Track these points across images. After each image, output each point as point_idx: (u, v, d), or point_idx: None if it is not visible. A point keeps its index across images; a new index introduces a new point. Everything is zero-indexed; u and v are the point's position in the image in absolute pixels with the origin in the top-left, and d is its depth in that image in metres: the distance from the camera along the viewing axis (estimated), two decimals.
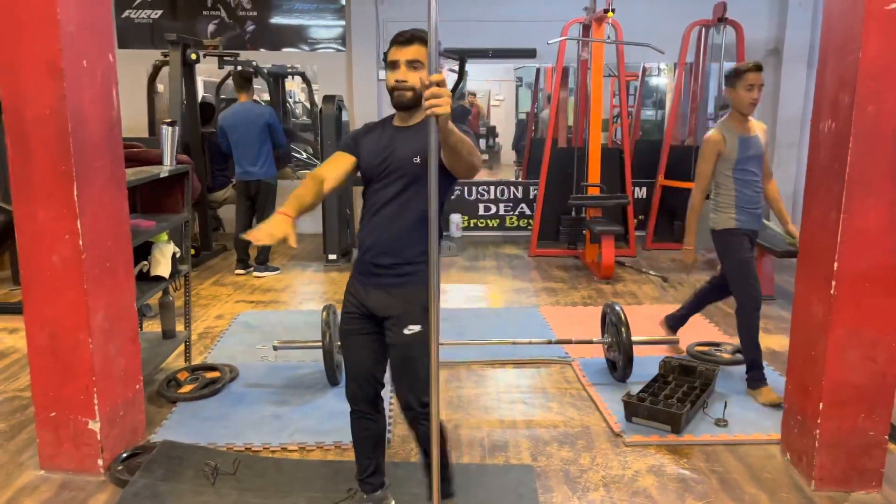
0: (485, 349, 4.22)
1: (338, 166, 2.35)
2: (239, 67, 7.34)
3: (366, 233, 2.33)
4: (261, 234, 2.07)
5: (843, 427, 2.73)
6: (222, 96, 8.60)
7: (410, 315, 2.25)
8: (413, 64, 2.20)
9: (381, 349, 2.35)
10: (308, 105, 10.69)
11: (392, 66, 2.23)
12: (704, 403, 3.46)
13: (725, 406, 3.42)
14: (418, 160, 2.21)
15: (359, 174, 2.38)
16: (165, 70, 8.34)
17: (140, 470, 2.81)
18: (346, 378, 2.43)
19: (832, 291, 2.62)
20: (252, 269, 6.34)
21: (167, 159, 3.78)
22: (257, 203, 6.31)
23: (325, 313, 3.75)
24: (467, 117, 11.65)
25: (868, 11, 2.40)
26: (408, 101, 2.22)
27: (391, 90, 2.24)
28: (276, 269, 6.46)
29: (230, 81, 7.65)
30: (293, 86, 10.58)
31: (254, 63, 7.24)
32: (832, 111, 2.62)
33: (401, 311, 2.26)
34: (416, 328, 2.25)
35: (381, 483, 2.55)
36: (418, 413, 2.30)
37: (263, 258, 6.36)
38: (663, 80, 11.28)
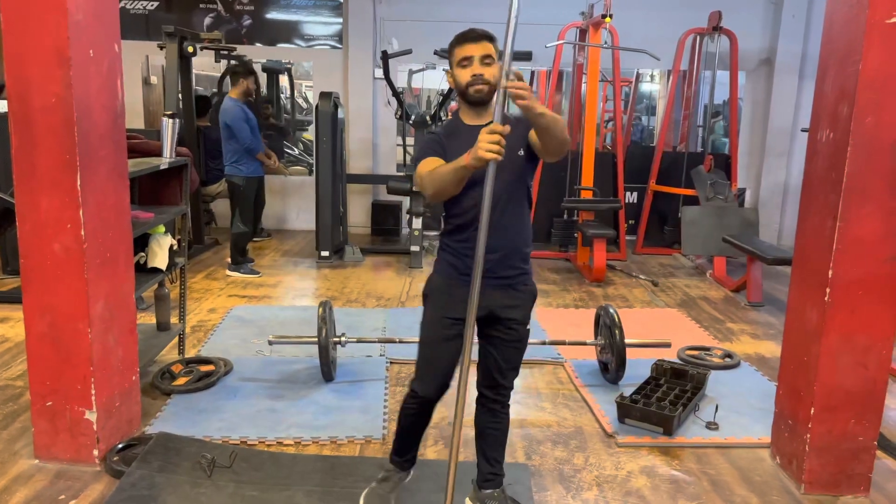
0: (478, 348, 4.24)
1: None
2: (233, 62, 7.33)
3: (474, 232, 2.22)
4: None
5: (833, 432, 2.78)
6: (221, 90, 8.57)
7: (524, 315, 2.45)
8: (485, 59, 2.26)
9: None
10: (289, 104, 10.66)
11: (464, 62, 2.27)
12: (696, 406, 3.50)
13: (716, 409, 3.47)
14: (521, 153, 2.30)
15: None
16: (154, 61, 8.34)
17: (136, 461, 2.81)
18: (426, 372, 2.46)
19: (826, 298, 2.67)
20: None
21: (167, 151, 3.78)
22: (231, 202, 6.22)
23: (321, 309, 3.76)
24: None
25: (869, 24, 2.45)
26: (485, 95, 2.28)
27: (466, 86, 2.27)
28: (255, 271, 6.20)
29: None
30: (287, 81, 10.56)
31: (245, 58, 7.22)
32: (831, 121, 2.67)
33: (525, 311, 2.45)
34: (526, 328, 2.47)
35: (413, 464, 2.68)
36: (504, 398, 2.57)
37: (235, 258, 6.16)
38: (656, 87, 11.36)
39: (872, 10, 2.45)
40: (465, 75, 2.27)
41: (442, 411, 3.45)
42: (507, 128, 1.99)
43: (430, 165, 2.26)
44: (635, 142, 10.26)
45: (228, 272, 6.16)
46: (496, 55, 2.29)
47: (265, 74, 9.22)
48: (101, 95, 2.76)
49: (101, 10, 2.74)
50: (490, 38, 2.29)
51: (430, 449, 3.14)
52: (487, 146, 1.95)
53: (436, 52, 6.89)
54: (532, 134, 2.25)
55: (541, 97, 9.55)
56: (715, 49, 7.34)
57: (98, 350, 2.82)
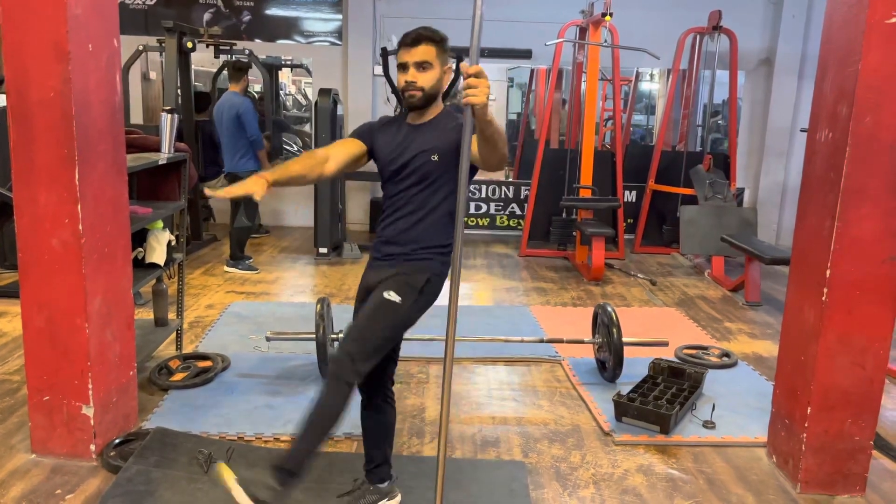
0: (476, 346, 4.25)
1: (346, 149, 2.40)
2: (234, 57, 7.31)
3: (383, 227, 2.39)
4: (220, 191, 2.17)
5: (829, 431, 2.78)
6: (214, 86, 8.56)
7: (397, 285, 2.28)
8: (422, 65, 2.26)
9: None
10: (273, 102, 10.62)
11: (402, 68, 2.28)
12: (693, 405, 3.51)
13: (713, 408, 3.47)
14: (435, 157, 2.27)
15: (365, 169, 2.42)
16: (152, 57, 8.31)
17: (133, 456, 2.81)
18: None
19: (824, 298, 2.67)
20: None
21: (166, 146, 3.77)
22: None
23: (319, 306, 3.76)
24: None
25: (869, 24, 2.45)
26: (418, 102, 2.29)
27: (402, 91, 2.29)
28: (253, 268, 6.20)
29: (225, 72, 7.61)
30: (286, 77, 10.55)
31: (246, 52, 7.20)
32: (830, 121, 2.67)
33: (390, 280, 2.30)
34: (394, 297, 2.26)
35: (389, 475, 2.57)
36: (337, 369, 2.26)
37: (234, 254, 6.17)
38: (655, 86, 11.37)
39: (872, 10, 2.45)
40: (400, 80, 2.29)
41: (438, 408, 3.46)
42: (478, 67, 1.90)
43: (338, 145, 2.41)
44: (634, 141, 10.26)
45: (226, 268, 6.15)
46: (438, 58, 2.27)
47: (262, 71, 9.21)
48: (100, 90, 2.75)
49: (101, 4, 2.73)
50: (431, 41, 2.25)
51: (428, 446, 3.14)
52: (467, 92, 1.89)
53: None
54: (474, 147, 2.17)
55: (540, 95, 9.55)
56: (715, 48, 7.34)
57: (95, 345, 2.82)
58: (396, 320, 2.30)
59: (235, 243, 6.15)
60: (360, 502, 2.52)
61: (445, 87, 2.36)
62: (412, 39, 2.26)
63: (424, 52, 2.25)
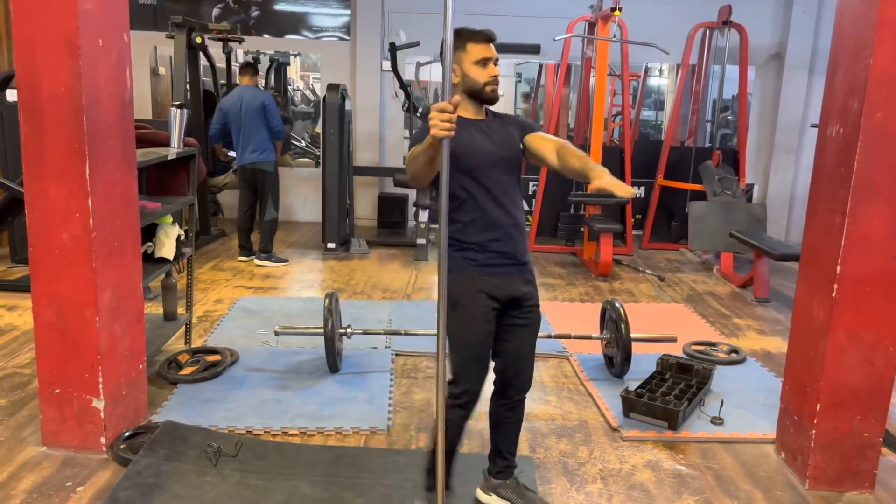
0: None
1: None
2: (251, 56, 7.35)
3: (485, 225, 2.34)
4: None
5: (838, 428, 2.77)
6: (222, 82, 8.59)
7: (537, 299, 2.50)
8: (497, 63, 2.38)
9: None
10: (297, 95, 10.64)
11: (482, 63, 2.34)
12: (701, 401, 3.50)
13: (721, 404, 3.46)
14: (521, 146, 2.41)
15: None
16: (161, 51, 8.34)
17: (143, 449, 2.83)
18: (468, 369, 2.38)
19: (834, 294, 2.66)
20: (254, 256, 6.30)
21: (175, 142, 3.79)
22: (259, 190, 6.26)
23: (327, 301, 3.77)
24: None
25: (881, 19, 2.43)
26: (497, 96, 2.39)
27: (484, 85, 2.35)
28: (283, 259, 6.33)
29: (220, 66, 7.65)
30: (294, 73, 10.56)
31: (251, 54, 7.22)
32: (841, 116, 2.66)
33: (536, 295, 2.49)
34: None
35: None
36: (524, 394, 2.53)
37: (266, 247, 6.29)
38: (664, 81, 11.32)
39: (884, 6, 2.43)
40: (482, 74, 2.34)
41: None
42: (457, 99, 1.97)
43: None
44: (644, 134, 10.22)
45: (258, 262, 6.21)
46: None
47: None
48: (110, 85, 2.77)
49: None
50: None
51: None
52: (440, 125, 1.95)
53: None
54: (533, 141, 2.40)
55: (548, 90, 9.53)
56: (724, 44, 7.30)
57: (105, 339, 2.84)
58: (461, 327, 2.39)
59: (267, 235, 6.24)
60: (525, 497, 2.58)
61: None
62: (489, 37, 2.36)
63: (494, 50, 2.37)
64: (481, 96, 2.36)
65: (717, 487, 2.84)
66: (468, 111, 2.39)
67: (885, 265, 2.62)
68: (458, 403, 2.37)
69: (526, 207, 8.07)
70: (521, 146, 2.43)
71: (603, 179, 2.06)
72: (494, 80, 2.36)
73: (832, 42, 2.77)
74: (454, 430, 2.41)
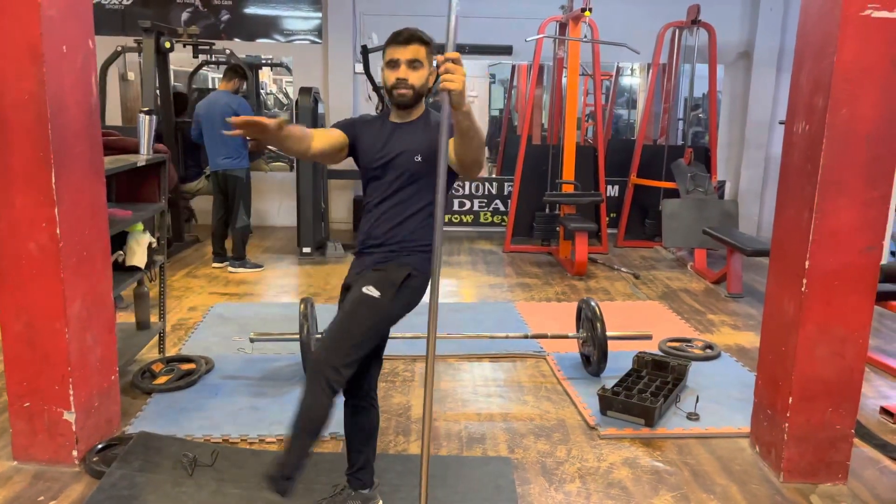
0: (461, 343, 4.26)
1: (329, 136, 2.39)
2: (213, 56, 7.26)
3: (364, 224, 2.39)
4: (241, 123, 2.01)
5: (811, 421, 2.81)
6: (194, 86, 8.50)
7: (375, 281, 2.26)
8: (413, 63, 2.26)
9: None
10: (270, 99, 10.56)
11: (391, 64, 2.27)
12: (677, 398, 3.53)
13: (697, 400, 3.50)
14: (419, 158, 2.27)
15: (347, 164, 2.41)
16: (131, 57, 8.22)
17: (117, 461, 2.78)
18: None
19: (803, 289, 2.70)
20: (227, 263, 6.24)
21: (144, 148, 3.74)
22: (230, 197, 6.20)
23: (302, 306, 3.74)
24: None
25: (844, 16, 2.47)
26: (408, 100, 2.29)
27: (391, 88, 2.29)
28: (257, 265, 6.29)
29: (202, 71, 7.56)
30: (266, 77, 10.48)
31: (227, 51, 7.15)
32: (806, 113, 2.70)
33: (367, 276, 2.30)
34: (373, 292, 2.24)
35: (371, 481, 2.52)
36: (319, 373, 2.21)
37: (239, 254, 6.23)
38: (636, 80, 11.42)
39: (847, 3, 2.47)
40: (390, 77, 2.28)
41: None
42: (457, 54, 1.90)
43: (321, 130, 2.40)
44: (617, 130, 10.29)
45: (231, 269, 6.14)
46: (427, 59, 2.28)
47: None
48: (75, 92, 2.72)
49: (75, 4, 2.70)
50: (422, 41, 2.27)
51: (414, 444, 3.14)
52: (444, 77, 1.89)
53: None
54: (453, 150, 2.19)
55: (521, 91, 9.56)
56: (694, 42, 7.39)
57: (76, 350, 2.79)
58: (376, 316, 2.25)
59: (239, 243, 6.17)
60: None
61: (430, 85, 2.36)
62: (405, 38, 2.26)
63: (416, 50, 2.26)
64: (392, 100, 2.31)
65: (693, 483, 2.86)
66: (394, 115, 2.38)
67: (853, 259, 2.66)
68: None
69: (502, 208, 8.09)
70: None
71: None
72: (400, 83, 2.25)
73: (797, 40, 2.81)
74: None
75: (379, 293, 2.25)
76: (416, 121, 2.35)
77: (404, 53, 2.25)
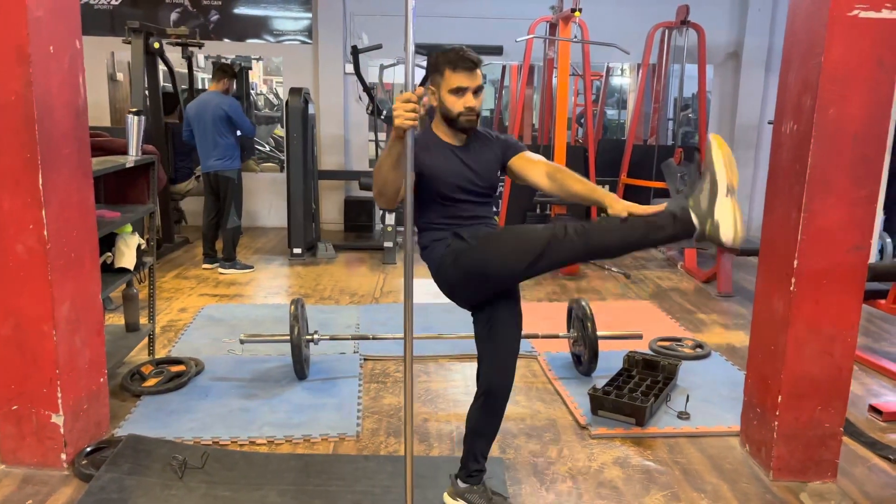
0: (453, 343, 4.25)
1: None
2: (224, 60, 7.25)
3: (442, 231, 2.43)
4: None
5: (800, 419, 2.82)
6: (183, 87, 8.47)
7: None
8: (477, 92, 2.32)
9: None
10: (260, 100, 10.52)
11: (458, 92, 2.29)
12: (667, 397, 3.54)
13: (687, 399, 3.51)
14: (499, 167, 2.44)
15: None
16: (119, 57, 8.20)
17: (106, 464, 2.77)
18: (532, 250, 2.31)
19: (792, 288, 2.71)
20: (218, 264, 6.22)
21: (133, 149, 3.72)
22: (221, 198, 6.18)
23: (293, 307, 3.73)
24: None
25: (832, 16, 2.48)
26: (474, 125, 2.37)
27: (458, 115, 2.31)
28: (248, 266, 6.27)
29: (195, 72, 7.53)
30: (257, 77, 10.45)
31: (211, 58, 7.12)
32: (794, 113, 2.71)
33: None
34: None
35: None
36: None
37: (229, 255, 6.20)
38: (626, 81, 11.45)
39: (835, 3, 2.48)
40: (457, 104, 2.31)
41: (420, 410, 3.46)
42: (420, 90, 2.03)
43: None
44: (607, 129, 10.31)
45: (222, 270, 6.12)
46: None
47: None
48: (63, 93, 2.70)
49: (62, 5, 2.68)
50: (481, 65, 2.33)
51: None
52: (403, 114, 1.97)
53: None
54: (518, 165, 2.43)
55: (512, 91, 9.57)
56: (683, 43, 7.41)
57: (64, 352, 2.77)
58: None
59: (230, 244, 6.15)
60: (493, 502, 2.54)
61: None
62: (472, 63, 2.28)
63: (478, 76, 2.31)
64: (455, 126, 2.35)
65: (684, 481, 2.87)
66: (445, 134, 2.40)
67: (842, 258, 2.68)
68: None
69: (494, 208, 8.08)
70: (504, 167, 2.44)
71: (619, 205, 2.15)
72: (469, 112, 2.31)
73: (785, 40, 2.82)
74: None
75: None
76: (472, 140, 2.43)
77: (472, 81, 2.29)
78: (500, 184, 7.60)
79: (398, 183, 2.18)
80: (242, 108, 6.49)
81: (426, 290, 5.77)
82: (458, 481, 2.57)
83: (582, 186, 2.29)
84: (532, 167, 2.39)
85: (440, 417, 3.43)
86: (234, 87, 6.35)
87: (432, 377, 3.90)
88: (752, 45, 8.08)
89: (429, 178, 2.33)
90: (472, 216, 2.41)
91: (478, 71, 2.30)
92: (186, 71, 7.54)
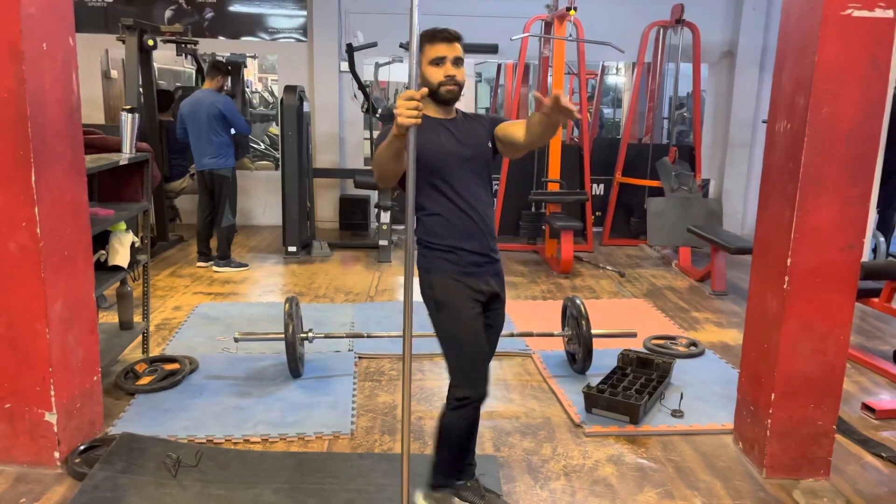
0: None
1: None
2: (218, 58, 7.22)
3: (453, 226, 2.37)
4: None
5: (793, 417, 2.83)
6: (178, 84, 8.45)
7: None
8: (457, 61, 2.33)
9: None
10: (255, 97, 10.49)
11: (437, 62, 2.31)
12: (661, 395, 3.55)
13: (681, 397, 3.52)
14: (490, 144, 2.40)
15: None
16: (114, 54, 8.17)
17: (99, 462, 2.76)
18: (471, 368, 2.41)
19: (785, 286, 2.72)
20: (212, 262, 6.21)
21: (126, 147, 3.70)
22: (216, 196, 6.16)
23: (287, 305, 3.73)
24: None
25: (825, 16, 2.49)
26: (457, 95, 2.36)
27: (438, 85, 2.32)
28: (242, 264, 6.26)
29: (185, 68, 7.51)
30: (252, 75, 10.42)
31: (206, 56, 7.10)
32: (788, 112, 2.72)
33: (504, 294, 2.54)
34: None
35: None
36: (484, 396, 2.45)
37: (224, 254, 6.19)
38: (620, 79, 11.46)
39: (828, 3, 2.49)
40: (437, 74, 2.32)
41: (415, 408, 3.45)
42: (425, 90, 2.05)
43: None
44: (603, 128, 10.32)
45: (217, 269, 6.10)
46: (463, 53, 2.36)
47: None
48: (56, 90, 2.70)
49: (55, 2, 2.68)
50: (461, 40, 2.34)
51: (400, 443, 3.13)
52: (406, 112, 1.97)
53: (402, 45, 6.85)
54: (502, 129, 2.39)
55: (507, 90, 9.57)
56: (678, 42, 7.42)
57: (57, 350, 2.77)
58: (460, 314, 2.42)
59: (224, 242, 6.13)
60: (486, 498, 2.56)
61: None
62: (450, 35, 2.32)
63: (457, 49, 2.33)
64: (437, 97, 2.35)
65: (677, 479, 2.88)
66: (433, 111, 2.39)
67: (835, 256, 2.69)
68: (462, 406, 2.39)
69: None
70: (493, 141, 2.43)
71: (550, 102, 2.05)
72: (450, 80, 2.32)
73: (779, 39, 2.83)
74: (458, 434, 2.47)
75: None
76: (458, 117, 2.43)
77: (450, 51, 2.31)
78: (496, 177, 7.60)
79: (398, 171, 2.21)
80: (237, 105, 6.48)
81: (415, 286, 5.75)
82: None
83: (535, 119, 2.23)
84: (514, 127, 2.37)
85: (435, 415, 3.41)
86: (229, 84, 6.34)
87: (427, 375, 3.90)
88: (746, 44, 8.09)
89: (419, 155, 2.32)
90: (470, 196, 2.36)
91: (456, 44, 2.32)
92: (195, 68, 7.49)
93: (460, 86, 2.35)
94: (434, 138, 2.34)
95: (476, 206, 2.38)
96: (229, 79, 6.54)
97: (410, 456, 2.15)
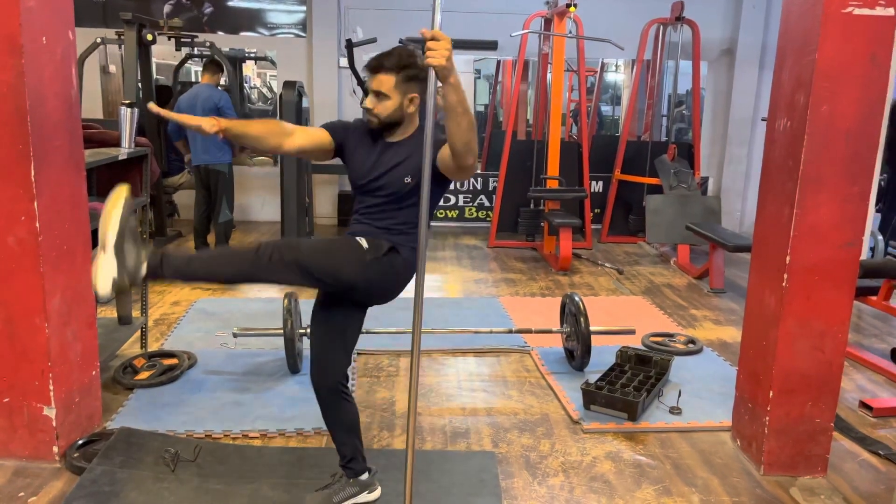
0: (445, 338, 4.26)
1: (314, 135, 2.40)
2: (196, 50, 7.19)
3: (354, 227, 2.42)
4: (163, 111, 2.17)
5: (791, 414, 2.84)
6: (176, 79, 8.42)
7: (367, 238, 2.35)
8: (378, 94, 2.26)
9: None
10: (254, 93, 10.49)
11: (369, 90, 2.30)
12: (660, 392, 3.56)
13: (679, 394, 3.52)
14: (409, 180, 2.27)
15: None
16: (112, 49, 8.13)
17: (97, 457, 2.76)
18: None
19: (784, 284, 2.73)
20: None
21: (125, 141, 3.70)
22: (213, 191, 6.16)
23: (286, 301, 3.73)
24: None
25: (825, 14, 2.49)
26: (375, 126, 2.33)
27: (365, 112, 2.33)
28: None
29: (187, 64, 7.49)
30: (250, 70, 10.41)
31: (207, 43, 7.08)
32: (788, 110, 2.72)
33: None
34: (363, 241, 2.34)
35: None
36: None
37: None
38: (620, 77, 11.46)
39: (828, 0, 2.49)
40: (366, 102, 2.32)
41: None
42: (436, 31, 1.91)
43: (306, 128, 2.45)
44: (601, 125, 10.33)
45: None
46: (397, 88, 2.23)
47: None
48: (55, 84, 2.69)
49: None
50: (391, 70, 2.23)
51: (398, 439, 3.14)
52: (428, 54, 1.89)
53: (401, 41, 6.84)
54: (440, 157, 2.18)
55: (506, 87, 9.56)
56: (677, 39, 7.42)
57: (56, 345, 2.77)
58: (351, 258, 2.25)
59: (222, 237, 6.13)
60: (338, 495, 2.51)
61: (412, 110, 2.31)
62: (372, 66, 2.26)
63: (381, 81, 2.24)
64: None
65: (675, 476, 2.89)
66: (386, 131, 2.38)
67: (833, 254, 2.69)
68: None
69: (487, 204, 8.10)
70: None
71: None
72: (367, 112, 2.30)
73: (779, 37, 2.83)
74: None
75: (367, 246, 2.28)
76: (408, 140, 2.34)
77: (371, 83, 2.27)
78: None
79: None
80: (235, 101, 6.46)
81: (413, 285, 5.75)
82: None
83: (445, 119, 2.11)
84: (444, 149, 2.17)
85: (433, 412, 3.43)
86: (226, 80, 6.32)
87: (425, 371, 3.91)
88: (746, 41, 8.09)
89: (346, 160, 2.41)
90: (380, 217, 2.34)
91: (381, 76, 2.23)
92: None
93: (380, 118, 2.28)
94: (359, 152, 2.37)
95: (379, 220, 2.35)
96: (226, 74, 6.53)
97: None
